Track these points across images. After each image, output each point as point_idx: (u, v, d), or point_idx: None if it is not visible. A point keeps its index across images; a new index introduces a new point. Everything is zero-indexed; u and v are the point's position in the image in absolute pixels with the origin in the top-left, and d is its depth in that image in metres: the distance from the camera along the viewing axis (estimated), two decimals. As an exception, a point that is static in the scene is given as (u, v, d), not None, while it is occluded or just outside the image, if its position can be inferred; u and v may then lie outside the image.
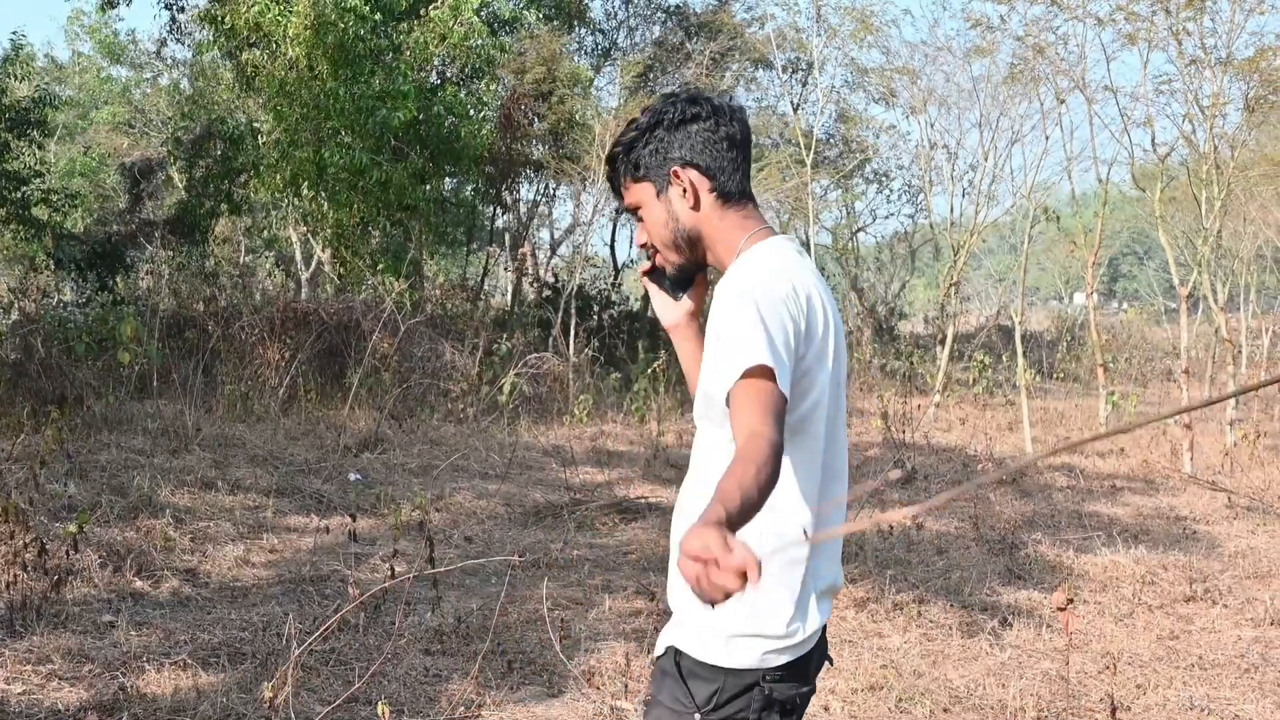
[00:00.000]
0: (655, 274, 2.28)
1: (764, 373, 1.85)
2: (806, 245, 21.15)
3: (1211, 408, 16.05)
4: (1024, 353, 14.14)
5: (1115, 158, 21.32)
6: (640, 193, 2.18)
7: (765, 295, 1.94)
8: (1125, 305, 42.56)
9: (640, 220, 2.20)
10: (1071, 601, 4.25)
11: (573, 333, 15.48)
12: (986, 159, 16.39)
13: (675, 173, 2.12)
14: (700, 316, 2.32)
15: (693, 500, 2.07)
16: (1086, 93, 13.07)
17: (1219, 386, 17.26)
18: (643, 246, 2.24)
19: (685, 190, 2.12)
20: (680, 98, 2.17)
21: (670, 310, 2.32)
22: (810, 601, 2.03)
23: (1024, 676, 4.95)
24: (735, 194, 2.14)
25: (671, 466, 10.06)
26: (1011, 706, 4.60)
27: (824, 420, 2.03)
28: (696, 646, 2.00)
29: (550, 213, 24.76)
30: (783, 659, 1.99)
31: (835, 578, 2.14)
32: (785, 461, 1.92)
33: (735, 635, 1.98)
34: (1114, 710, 4.50)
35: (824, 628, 2.13)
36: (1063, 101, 13.86)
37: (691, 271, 2.23)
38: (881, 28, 17.03)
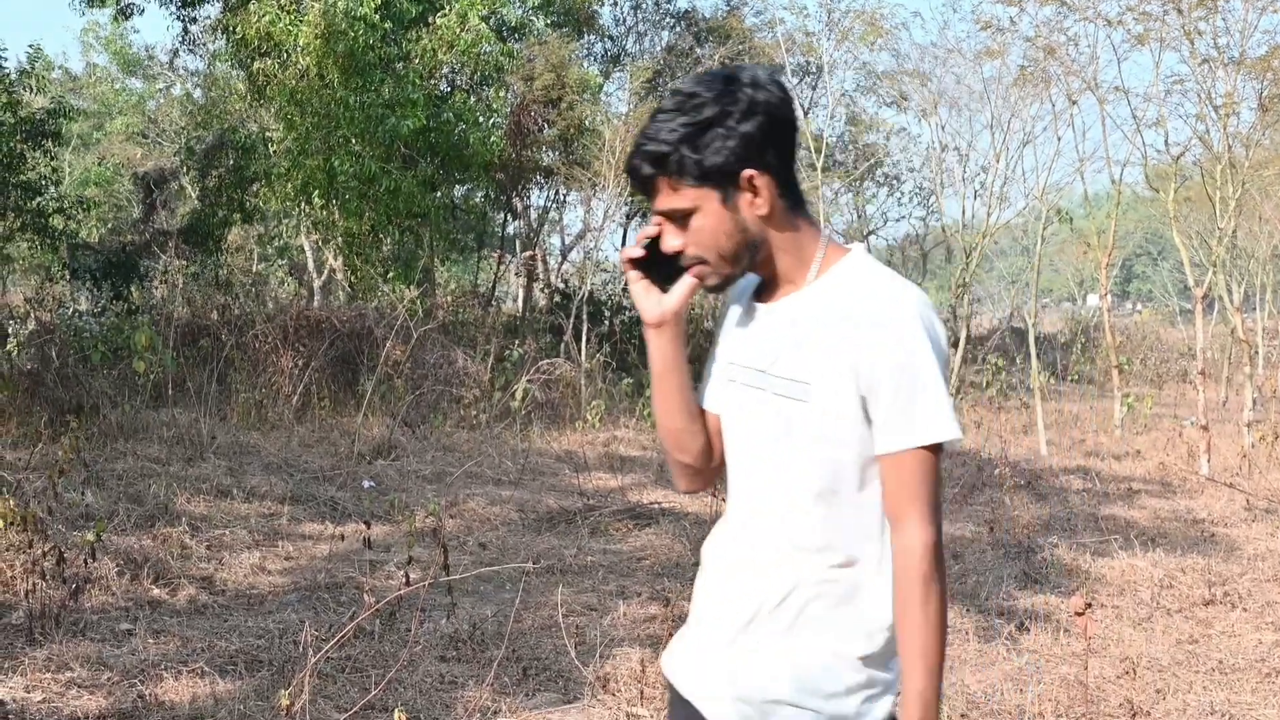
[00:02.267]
0: (643, 263, 1.98)
1: (939, 451, 1.80)
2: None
3: (1228, 408, 15.99)
4: (1038, 355, 14.11)
5: (1128, 158, 21.24)
6: (697, 198, 1.86)
7: (936, 336, 1.81)
8: (1139, 306, 42.45)
9: (680, 226, 1.90)
10: (1090, 606, 4.23)
11: (584, 338, 15.48)
12: (998, 161, 16.36)
13: (751, 178, 1.84)
14: (683, 320, 2.04)
15: (816, 579, 1.87)
16: (1098, 93, 13.04)
17: (1236, 388, 17.20)
18: (675, 252, 1.93)
19: (756, 197, 1.85)
20: (745, 78, 1.85)
21: (656, 305, 1.99)
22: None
23: (1042, 682, 4.92)
24: (800, 199, 1.92)
25: (685, 471, 10.04)
26: (1029, 712, 4.58)
27: None
28: None
29: (561, 219, 24.80)
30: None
31: None
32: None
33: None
34: (1134, 715, 4.49)
35: None
36: (1074, 103, 13.84)
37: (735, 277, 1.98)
38: (891, 30, 16.97)
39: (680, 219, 1.89)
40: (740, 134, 1.82)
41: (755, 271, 1.95)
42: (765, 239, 1.89)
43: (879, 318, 1.78)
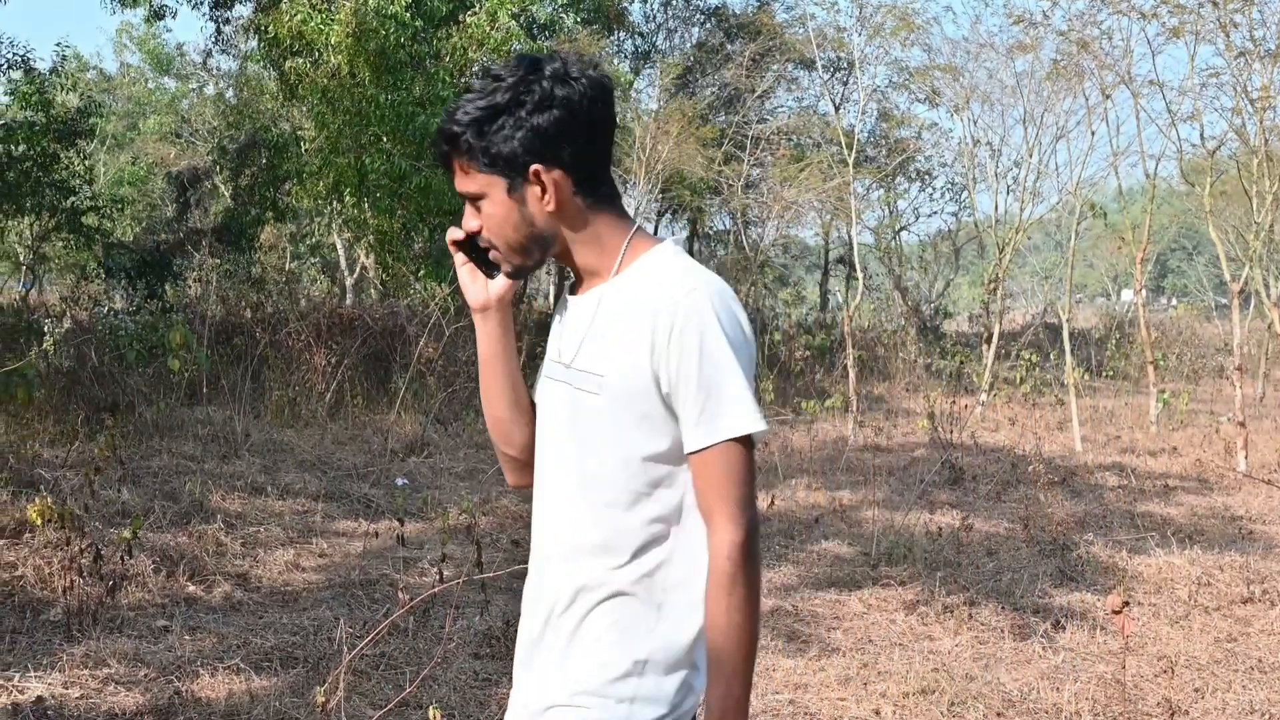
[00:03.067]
0: (469, 245, 1.94)
1: (747, 444, 1.74)
2: (849, 245, 21.05)
3: (1265, 404, 15.81)
4: (1072, 351, 14.00)
5: (1163, 152, 21.07)
6: (485, 184, 1.82)
7: (730, 323, 1.75)
8: (1174, 301, 42.03)
9: (476, 208, 1.86)
10: (1127, 604, 4.19)
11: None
12: (1031, 155, 16.25)
13: (536, 173, 1.78)
14: (509, 306, 2.02)
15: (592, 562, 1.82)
16: (1132, 87, 12.92)
17: (1273, 383, 17.01)
18: (470, 234, 1.91)
19: (545, 193, 1.80)
20: (547, 69, 1.79)
21: (482, 290, 1.98)
22: None
23: (1079, 680, 4.89)
24: (604, 195, 1.85)
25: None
26: (1066, 711, 4.55)
27: None
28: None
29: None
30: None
31: None
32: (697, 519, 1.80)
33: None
34: (1172, 714, 4.44)
35: None
36: (1108, 97, 13.73)
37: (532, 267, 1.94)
38: (923, 25, 16.86)
39: (475, 201, 1.85)
40: (530, 126, 1.77)
41: (561, 261, 1.90)
42: (557, 235, 1.84)
43: (674, 312, 1.73)
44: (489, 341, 2.01)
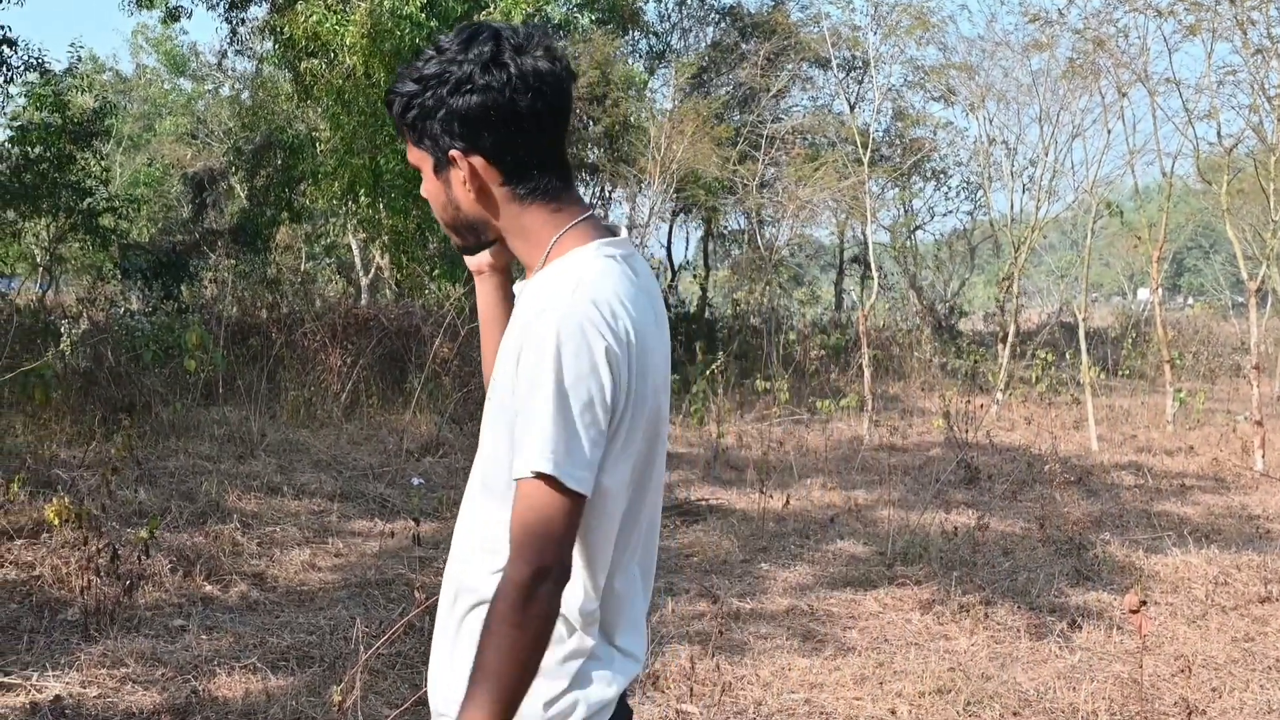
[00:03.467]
0: None
1: (559, 487, 1.59)
2: (864, 244, 20.99)
3: (1282, 404, 15.73)
4: (1088, 350, 13.95)
5: (1179, 150, 20.99)
6: (418, 159, 1.77)
7: (573, 354, 1.60)
8: (1191, 300, 41.84)
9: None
10: (1144, 603, 4.18)
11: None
12: (1047, 154, 16.19)
13: (453, 158, 1.72)
14: (506, 271, 1.98)
15: (472, 583, 1.76)
16: (1148, 85, 12.87)
17: (1290, 382, 16.90)
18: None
19: (466, 180, 1.73)
20: (473, 50, 1.69)
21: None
22: (593, 673, 1.73)
23: (1095, 680, 4.87)
24: (540, 188, 1.75)
25: (732, 468, 10.04)
26: (1083, 711, 4.53)
27: (630, 474, 1.72)
28: None
29: (606, 216, 24.77)
30: None
31: (634, 650, 1.82)
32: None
33: None
34: (1189, 714, 4.43)
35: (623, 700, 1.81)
36: (1124, 95, 13.67)
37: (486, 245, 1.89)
38: (938, 24, 16.81)
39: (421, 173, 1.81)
40: (448, 106, 1.69)
41: (506, 248, 1.87)
42: (487, 222, 1.78)
43: (526, 333, 1.64)
44: (486, 305, 2.00)
